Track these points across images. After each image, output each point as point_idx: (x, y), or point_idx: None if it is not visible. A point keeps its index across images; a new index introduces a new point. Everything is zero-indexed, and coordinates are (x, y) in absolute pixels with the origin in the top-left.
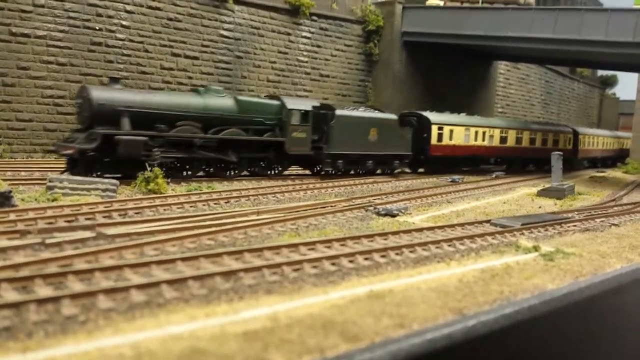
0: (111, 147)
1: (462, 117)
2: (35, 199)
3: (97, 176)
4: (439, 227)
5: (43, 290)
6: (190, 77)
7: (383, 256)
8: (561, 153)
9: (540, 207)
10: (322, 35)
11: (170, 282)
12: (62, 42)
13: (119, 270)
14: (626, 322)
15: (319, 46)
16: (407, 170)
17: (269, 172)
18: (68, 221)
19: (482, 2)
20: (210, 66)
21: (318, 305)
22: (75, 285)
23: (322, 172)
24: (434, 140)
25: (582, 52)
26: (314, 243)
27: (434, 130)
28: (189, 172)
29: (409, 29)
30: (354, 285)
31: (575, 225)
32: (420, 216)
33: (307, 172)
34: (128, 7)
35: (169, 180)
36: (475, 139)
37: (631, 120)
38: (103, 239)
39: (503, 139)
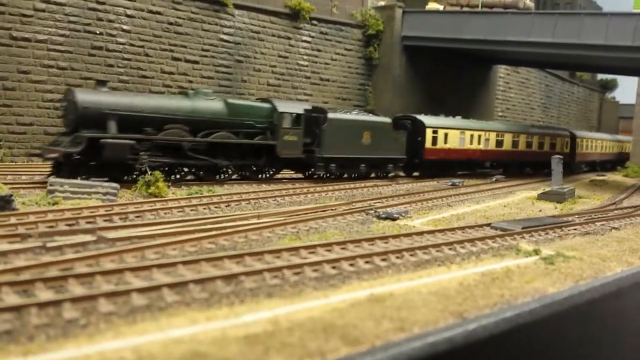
0: (97, 151)
1: (457, 121)
2: (36, 203)
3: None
4: (440, 231)
5: (44, 294)
6: (190, 81)
7: (384, 260)
8: (561, 157)
9: (540, 211)
10: (322, 39)
11: (171, 286)
12: (63, 46)
13: (119, 273)
14: (626, 325)
15: (319, 50)
16: (402, 174)
17: (260, 175)
18: (69, 225)
19: (482, 7)
20: (210, 70)
21: (319, 308)
22: (76, 289)
23: (315, 176)
24: (428, 143)
25: (581, 56)
26: (314, 246)
27: (429, 133)
28: (178, 176)
29: (408, 33)
30: (354, 288)
31: (575, 229)
32: (421, 220)
33: (300, 175)
34: (129, 12)
35: (169, 183)
36: (471, 143)
37: (631, 124)
38: (104, 243)
39: (499, 143)
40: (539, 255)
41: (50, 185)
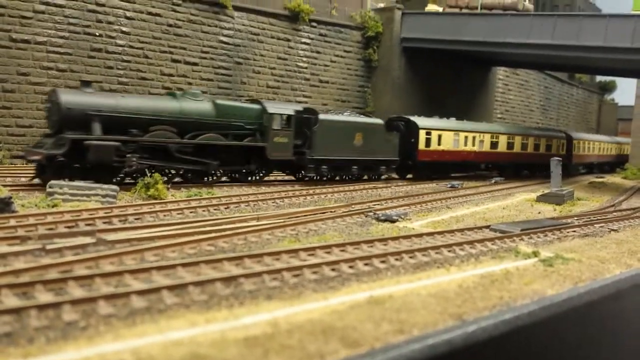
0: (81, 153)
1: (451, 122)
2: (36, 205)
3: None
4: (439, 233)
5: (44, 296)
6: (190, 83)
7: (383, 262)
8: (560, 159)
9: (539, 213)
10: (322, 41)
11: (170, 288)
12: (62, 48)
13: (119, 276)
14: (625, 328)
15: (318, 52)
16: (395, 176)
17: (249, 178)
18: (68, 227)
19: (481, 9)
20: (210, 72)
21: (318, 310)
22: (76, 291)
23: (306, 178)
24: (421, 145)
25: (580, 58)
26: (313, 249)
27: (422, 135)
28: (165, 179)
29: (408, 35)
30: (353, 290)
31: (574, 231)
32: (420, 222)
33: (291, 178)
34: (128, 14)
35: (168, 186)
36: (465, 144)
37: (630, 126)
38: (103, 245)
39: (494, 144)
40: (538, 258)
41: (50, 187)
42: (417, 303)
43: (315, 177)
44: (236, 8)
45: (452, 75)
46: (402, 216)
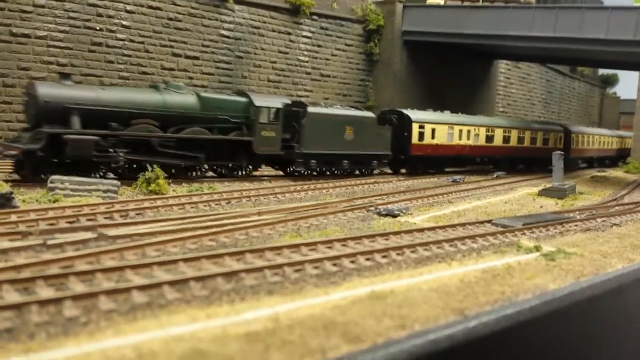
0: (60, 148)
1: (445, 115)
2: (37, 200)
3: (45, 178)
4: (440, 227)
5: (45, 292)
6: (191, 77)
7: (384, 256)
8: (562, 153)
9: (541, 207)
10: (323, 34)
11: (171, 283)
12: (63, 42)
13: (120, 271)
14: (628, 322)
15: (319, 46)
16: (388, 170)
17: (236, 173)
18: (69, 222)
19: (483, 1)
20: (210, 66)
21: (319, 306)
22: (77, 287)
23: (296, 174)
24: (414, 139)
25: (582, 51)
26: (315, 244)
27: (415, 128)
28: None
29: (409, 28)
30: (355, 285)
31: (576, 225)
32: (422, 216)
33: (280, 173)
34: (128, 7)
35: (169, 181)
36: (460, 138)
37: (632, 120)
38: (104, 240)
39: (489, 138)
40: (540, 252)
41: (51, 182)
42: (419, 298)
43: (304, 172)
44: (237, 1)
45: (453, 69)
46: (404, 211)
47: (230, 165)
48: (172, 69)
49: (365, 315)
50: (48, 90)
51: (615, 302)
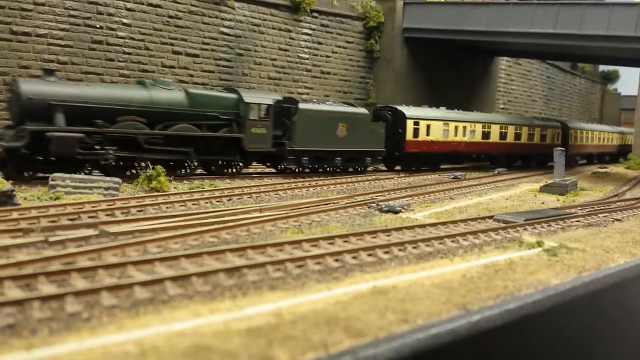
0: (44, 145)
1: (440, 112)
2: (38, 198)
3: (29, 176)
4: (442, 223)
5: (46, 288)
6: (191, 75)
7: (386, 252)
8: (563, 149)
9: (543, 203)
10: (323, 32)
11: (174, 279)
12: (63, 40)
13: (122, 267)
14: (630, 316)
15: (320, 43)
16: (383, 167)
17: (227, 170)
18: (71, 219)
19: None
20: (211, 64)
21: (322, 301)
22: (79, 283)
23: (288, 171)
24: (409, 135)
25: (583, 47)
26: (317, 240)
27: (410, 125)
28: (134, 171)
29: (410, 25)
30: (357, 281)
31: (578, 221)
32: (423, 212)
33: (272, 170)
34: (129, 5)
35: (170, 178)
36: (455, 134)
37: (633, 116)
38: (106, 237)
39: (485, 134)
40: (542, 247)
41: (52, 180)
42: (421, 293)
43: (296, 169)
44: None
45: (454, 66)
46: (405, 207)
47: (220, 162)
48: (172, 67)
49: (367, 310)
50: (31, 87)
51: (617, 296)
